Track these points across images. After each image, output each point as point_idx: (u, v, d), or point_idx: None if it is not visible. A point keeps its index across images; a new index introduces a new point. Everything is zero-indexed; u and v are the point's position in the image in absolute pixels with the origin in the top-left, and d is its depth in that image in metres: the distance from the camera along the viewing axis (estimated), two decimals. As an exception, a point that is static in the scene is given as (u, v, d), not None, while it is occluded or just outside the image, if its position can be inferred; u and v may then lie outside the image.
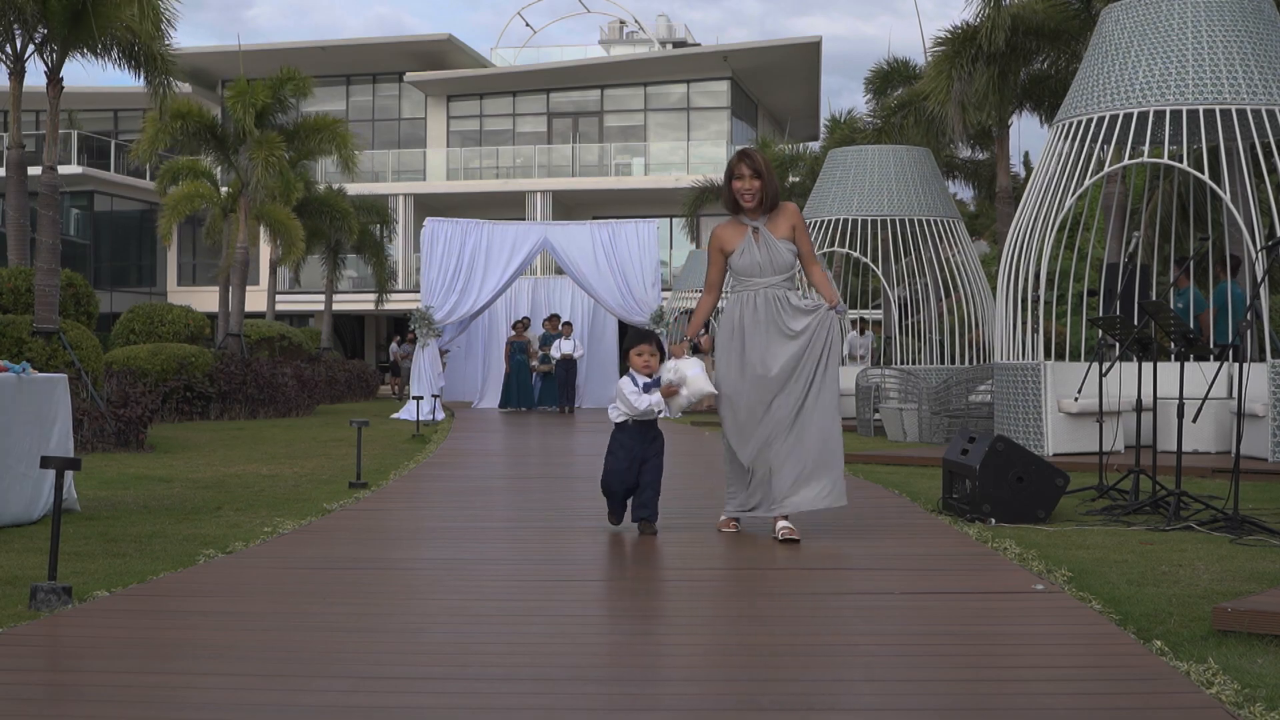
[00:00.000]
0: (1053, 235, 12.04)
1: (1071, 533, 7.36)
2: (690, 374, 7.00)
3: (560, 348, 25.34)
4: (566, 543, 6.73)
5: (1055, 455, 12.20)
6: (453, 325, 22.80)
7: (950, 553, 6.36)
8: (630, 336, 7.16)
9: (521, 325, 26.28)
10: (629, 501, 7.03)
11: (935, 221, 18.35)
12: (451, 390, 28.44)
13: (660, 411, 6.97)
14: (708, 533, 7.11)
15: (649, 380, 7.02)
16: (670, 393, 6.95)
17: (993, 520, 7.75)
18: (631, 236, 24.73)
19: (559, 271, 32.34)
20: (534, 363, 25.80)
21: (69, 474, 7.87)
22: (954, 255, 18.37)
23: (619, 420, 7.13)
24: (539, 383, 25.81)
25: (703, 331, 7.23)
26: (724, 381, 6.98)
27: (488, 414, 23.97)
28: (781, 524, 6.74)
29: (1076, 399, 12.25)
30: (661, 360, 6.98)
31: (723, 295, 25.31)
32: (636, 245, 24.51)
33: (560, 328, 25.67)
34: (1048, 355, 17.76)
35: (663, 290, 30.52)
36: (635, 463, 7.00)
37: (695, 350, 7.43)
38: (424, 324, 22.38)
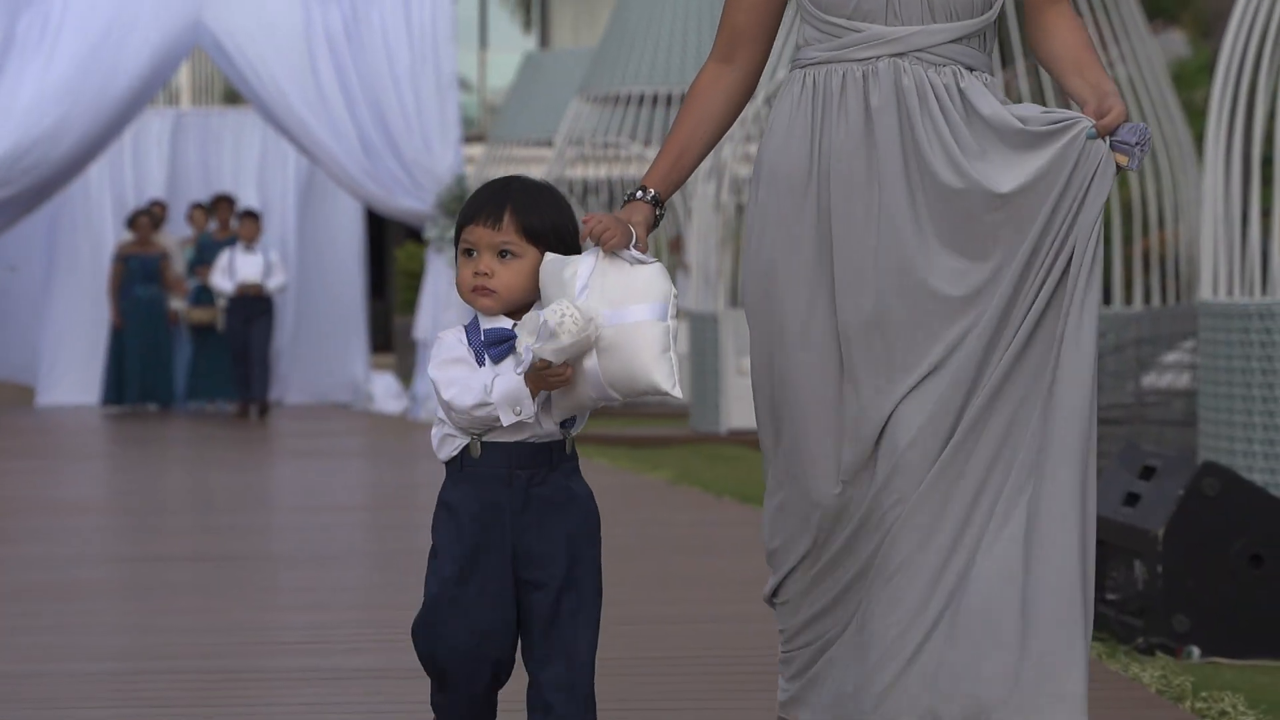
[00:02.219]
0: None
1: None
2: (615, 315, 3.50)
3: (235, 268, 17.32)
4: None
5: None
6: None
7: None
8: (468, 206, 3.66)
9: (148, 220, 18.41)
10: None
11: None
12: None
13: (526, 415, 3.54)
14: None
15: (504, 331, 3.61)
16: (556, 379, 3.49)
17: (1196, 652, 5.76)
18: (395, 18, 16.97)
19: (233, 98, 23.79)
20: (177, 304, 18.31)
21: None
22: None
23: (451, 453, 3.65)
24: (189, 349, 18.38)
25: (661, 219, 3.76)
26: (765, 334, 3.81)
27: (70, 419, 17.15)
28: None
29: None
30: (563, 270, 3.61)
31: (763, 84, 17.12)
32: (406, 40, 16.95)
33: (236, 225, 17.99)
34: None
35: (465, 141, 20.61)
36: (507, 594, 3.59)
37: (658, 217, 3.75)
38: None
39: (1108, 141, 3.67)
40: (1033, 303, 3.69)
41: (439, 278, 16.71)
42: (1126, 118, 3.69)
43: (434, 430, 3.64)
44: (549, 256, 3.52)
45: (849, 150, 3.68)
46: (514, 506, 3.54)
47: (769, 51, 3.83)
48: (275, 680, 5.32)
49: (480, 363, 3.52)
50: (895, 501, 3.66)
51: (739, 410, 12.84)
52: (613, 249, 3.49)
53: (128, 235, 18.20)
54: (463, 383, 3.49)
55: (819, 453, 3.75)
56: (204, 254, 17.84)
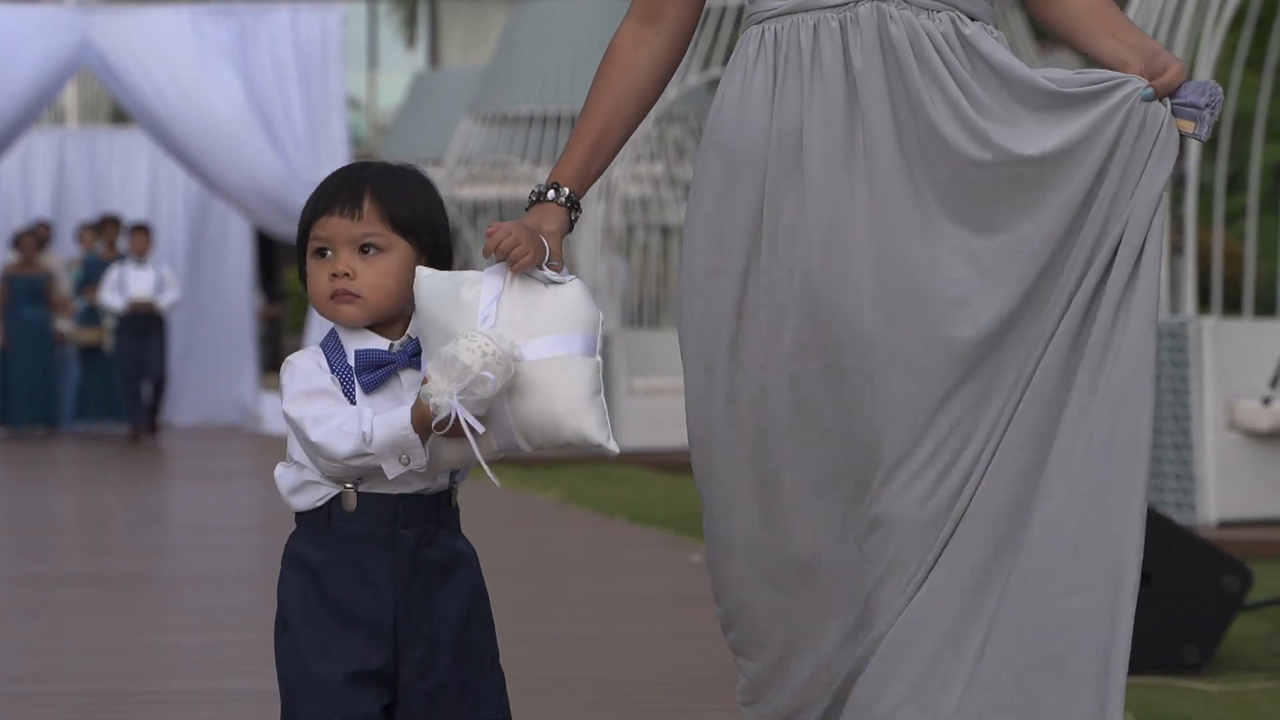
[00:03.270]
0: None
1: (1255, 695, 5.22)
2: (531, 348, 2.77)
3: (126, 284, 16.86)
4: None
5: (1222, 525, 8.76)
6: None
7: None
8: (317, 197, 2.91)
9: (32, 241, 18.29)
10: None
11: None
12: None
13: (417, 465, 2.80)
14: None
15: (379, 354, 2.87)
16: (441, 427, 2.71)
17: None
18: (283, 37, 16.94)
19: (121, 117, 23.47)
20: (63, 325, 18.15)
21: None
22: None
23: (314, 503, 2.87)
24: (77, 370, 18.28)
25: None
26: (712, 359, 2.99)
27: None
28: None
29: (1269, 400, 8.64)
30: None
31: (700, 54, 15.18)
32: (295, 59, 16.88)
33: (124, 245, 17.60)
34: (1203, 306, 11.65)
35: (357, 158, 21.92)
36: (387, 678, 2.85)
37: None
38: None
39: (1168, 105, 2.86)
40: (1064, 311, 2.85)
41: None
42: (1187, 76, 2.91)
43: (281, 472, 2.87)
44: (427, 273, 2.77)
45: (825, 119, 2.86)
46: (398, 575, 2.83)
47: (700, 11, 3.05)
48: (165, 702, 5.26)
49: (348, 393, 2.79)
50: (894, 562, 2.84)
51: (630, 430, 12.91)
52: (524, 268, 2.76)
53: (12, 256, 18.00)
54: (334, 423, 2.73)
55: (797, 516, 2.93)
56: (91, 274, 17.64)
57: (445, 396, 2.62)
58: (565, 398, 2.73)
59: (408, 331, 2.82)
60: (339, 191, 2.84)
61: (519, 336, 2.72)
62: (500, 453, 2.80)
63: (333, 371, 2.80)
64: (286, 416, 2.79)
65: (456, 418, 2.62)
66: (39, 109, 17.31)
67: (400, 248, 2.80)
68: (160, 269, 16.85)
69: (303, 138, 16.95)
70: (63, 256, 18.74)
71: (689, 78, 13.64)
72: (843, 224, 2.83)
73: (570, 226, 2.90)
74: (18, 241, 17.85)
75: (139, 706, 5.16)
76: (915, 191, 2.82)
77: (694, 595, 6.71)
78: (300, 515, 2.87)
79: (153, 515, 11.19)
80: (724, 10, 13.81)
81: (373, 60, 35.61)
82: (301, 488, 2.83)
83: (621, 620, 6.46)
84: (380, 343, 2.82)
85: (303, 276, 2.88)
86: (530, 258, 2.76)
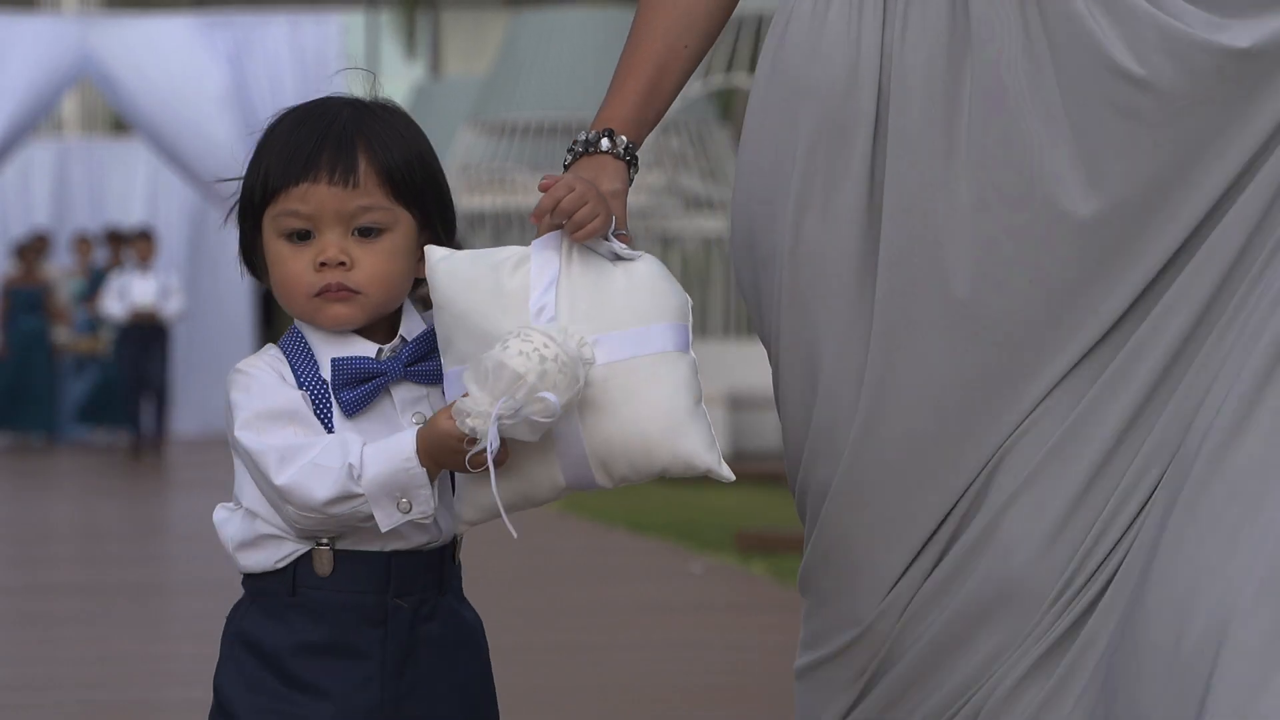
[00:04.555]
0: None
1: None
2: (608, 345, 2.01)
3: (128, 292, 16.26)
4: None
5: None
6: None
7: None
8: (282, 153, 2.10)
9: (32, 251, 18.05)
10: None
11: None
12: None
13: (422, 514, 2.00)
14: None
15: (367, 363, 2.07)
16: (478, 462, 1.94)
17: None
18: (283, 48, 16.94)
19: (120, 127, 23.23)
20: (62, 333, 17.93)
21: None
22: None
23: (274, 563, 2.09)
24: (75, 380, 17.92)
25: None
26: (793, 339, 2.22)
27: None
28: None
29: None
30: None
31: None
32: (295, 69, 16.83)
33: (127, 251, 16.98)
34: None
35: None
36: None
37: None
38: None
39: None
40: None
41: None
42: None
43: (224, 518, 2.13)
44: (441, 253, 2.05)
45: (926, 40, 2.13)
46: (388, 660, 2.07)
47: None
48: (163, 711, 5.21)
49: (322, 416, 2.04)
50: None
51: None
52: (590, 236, 2.03)
53: (12, 268, 18.00)
54: (306, 457, 1.98)
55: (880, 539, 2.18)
56: (96, 285, 17.27)
57: (485, 419, 1.89)
58: (660, 412, 2.01)
59: (401, 332, 2.09)
60: (320, 146, 2.06)
61: (589, 331, 2.01)
62: (567, 490, 2.07)
63: (300, 385, 2.05)
64: (237, 447, 2.04)
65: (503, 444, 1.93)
66: (38, 118, 17.22)
67: (404, 222, 2.07)
68: (164, 277, 16.39)
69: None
70: (63, 265, 18.64)
71: (690, 87, 13.64)
72: (946, 191, 2.11)
73: (628, 187, 2.19)
74: (19, 253, 17.80)
75: (136, 716, 5.11)
76: (1053, 134, 2.07)
77: (693, 603, 6.68)
78: (251, 580, 2.12)
79: (150, 525, 11.17)
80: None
81: (372, 70, 35.01)
82: (254, 543, 2.08)
83: (621, 629, 6.41)
84: (365, 348, 2.07)
85: (252, 263, 2.13)
86: (600, 222, 2.04)
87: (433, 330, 2.06)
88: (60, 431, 17.96)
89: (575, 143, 2.16)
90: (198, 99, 16.94)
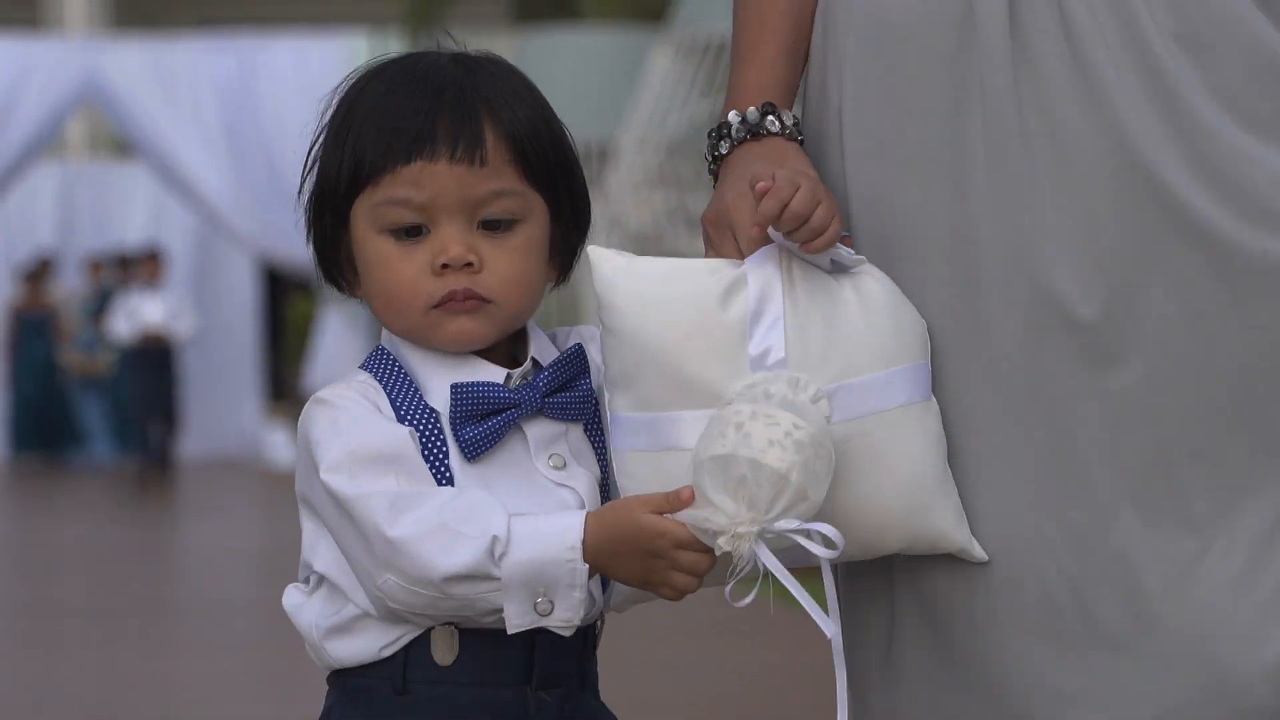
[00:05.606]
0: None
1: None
2: (845, 397, 1.56)
3: (137, 312, 15.69)
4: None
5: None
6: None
7: None
8: (373, 120, 1.61)
9: (37, 275, 17.79)
10: None
11: None
12: None
13: (567, 620, 1.49)
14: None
15: (496, 391, 1.59)
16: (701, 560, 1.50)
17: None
18: (288, 70, 16.32)
19: (122, 149, 22.61)
20: (69, 356, 17.54)
21: None
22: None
23: (378, 653, 1.56)
24: (84, 401, 17.53)
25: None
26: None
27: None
28: None
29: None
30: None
31: None
32: (300, 90, 15.94)
33: (135, 271, 16.57)
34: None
35: None
36: None
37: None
38: None
39: None
40: None
41: (331, 330, 16.46)
42: None
43: (298, 602, 1.63)
44: (621, 260, 1.59)
45: None
46: None
47: None
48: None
49: (435, 457, 1.55)
50: None
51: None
52: (828, 245, 1.55)
53: (20, 292, 17.76)
54: (429, 510, 1.50)
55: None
56: (105, 304, 17.01)
57: (746, 540, 1.45)
58: (902, 484, 1.58)
59: (532, 353, 1.61)
60: (434, 113, 1.57)
61: (824, 380, 1.56)
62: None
63: (404, 418, 1.57)
64: (319, 496, 1.56)
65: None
66: (43, 141, 17.08)
67: (538, 211, 1.60)
68: (173, 297, 16.05)
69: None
70: (70, 286, 18.33)
71: (698, 106, 13.71)
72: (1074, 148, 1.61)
73: None
74: (29, 278, 17.64)
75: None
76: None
77: (706, 624, 6.63)
78: (345, 676, 1.60)
79: (157, 546, 11.18)
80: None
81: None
82: (348, 627, 1.58)
83: (620, 639, 6.43)
84: (490, 372, 1.59)
85: (330, 269, 1.65)
86: (837, 226, 1.57)
87: (573, 353, 1.61)
88: (73, 454, 17.68)
89: (724, 128, 1.67)
90: (202, 122, 16.65)
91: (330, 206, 1.60)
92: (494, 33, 31.98)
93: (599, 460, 1.61)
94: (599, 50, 17.07)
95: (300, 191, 1.65)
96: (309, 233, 1.65)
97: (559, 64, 17.45)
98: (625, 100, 14.72)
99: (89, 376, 17.50)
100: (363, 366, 1.62)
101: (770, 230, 1.54)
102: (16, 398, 17.52)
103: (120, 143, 22.56)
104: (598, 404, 1.60)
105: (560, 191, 1.60)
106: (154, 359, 15.65)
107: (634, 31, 17.44)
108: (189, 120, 16.60)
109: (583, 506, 1.54)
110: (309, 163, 1.64)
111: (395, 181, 1.55)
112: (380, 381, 1.59)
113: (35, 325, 17.54)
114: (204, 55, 17.13)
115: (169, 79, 16.76)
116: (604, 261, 1.58)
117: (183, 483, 15.63)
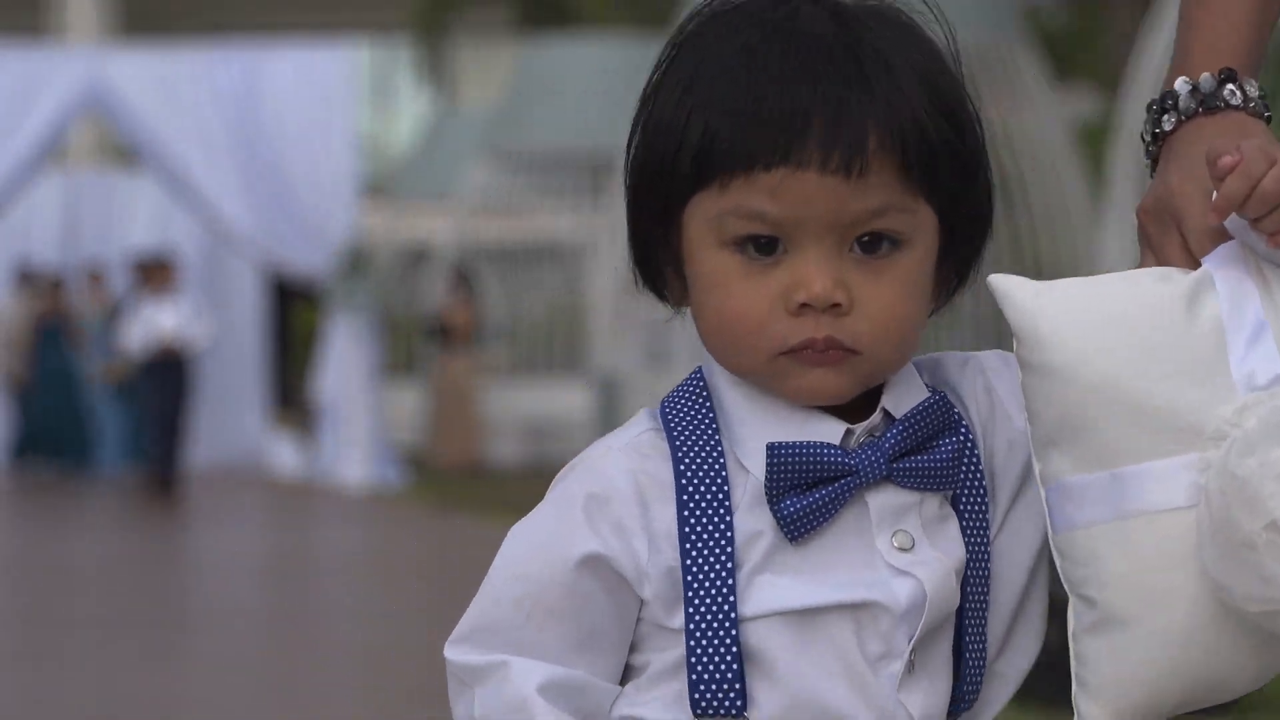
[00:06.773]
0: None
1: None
2: None
3: (151, 321, 15.47)
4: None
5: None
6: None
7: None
8: (726, 117, 1.22)
9: (51, 289, 18.06)
10: None
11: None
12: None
13: None
14: None
15: (826, 453, 1.23)
16: None
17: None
18: (293, 78, 16.27)
19: (127, 158, 22.91)
20: (90, 365, 17.60)
21: None
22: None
23: None
24: (104, 410, 17.51)
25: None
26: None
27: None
28: None
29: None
30: None
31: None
32: (306, 98, 16.14)
33: (151, 278, 16.21)
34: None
35: (360, 203, 18.85)
36: None
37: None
38: None
39: None
40: None
41: (337, 340, 16.45)
42: None
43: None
44: (1032, 286, 1.25)
45: None
46: None
47: None
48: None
49: (715, 544, 1.23)
50: None
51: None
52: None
53: (38, 303, 17.92)
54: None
55: None
56: (116, 316, 16.99)
57: None
58: None
59: (883, 403, 1.27)
60: (810, 106, 1.22)
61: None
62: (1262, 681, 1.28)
63: (692, 492, 1.24)
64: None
65: None
66: (47, 150, 17.15)
67: (926, 229, 1.26)
68: (185, 305, 15.68)
69: (312, 179, 16.36)
70: (78, 297, 18.55)
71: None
72: None
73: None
74: (47, 288, 17.89)
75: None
76: None
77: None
78: None
79: (162, 555, 11.25)
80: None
81: (384, 100, 34.32)
82: None
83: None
84: (827, 427, 1.26)
85: (648, 268, 1.30)
86: None
87: (933, 405, 1.27)
88: (95, 464, 17.70)
89: (1168, 99, 1.32)
90: (207, 130, 16.61)
91: (658, 191, 1.26)
92: (498, 41, 32.03)
93: (967, 539, 1.27)
94: (602, 58, 17.11)
95: (629, 147, 1.30)
96: (628, 212, 1.31)
97: (562, 72, 17.51)
98: (629, 109, 14.71)
99: (116, 382, 17.25)
100: (662, 409, 1.28)
101: (1228, 222, 1.24)
102: (33, 407, 17.56)
103: (125, 151, 22.63)
104: (967, 469, 1.27)
105: (958, 198, 1.27)
106: (168, 373, 15.41)
107: (637, 40, 17.27)
108: (193, 128, 16.62)
109: (924, 601, 1.23)
110: (641, 112, 1.30)
111: (750, 189, 1.21)
112: (672, 433, 1.26)
113: (54, 334, 17.67)
114: (208, 63, 17.15)
115: (173, 87, 16.78)
116: (1019, 288, 1.25)
117: (188, 493, 15.66)
